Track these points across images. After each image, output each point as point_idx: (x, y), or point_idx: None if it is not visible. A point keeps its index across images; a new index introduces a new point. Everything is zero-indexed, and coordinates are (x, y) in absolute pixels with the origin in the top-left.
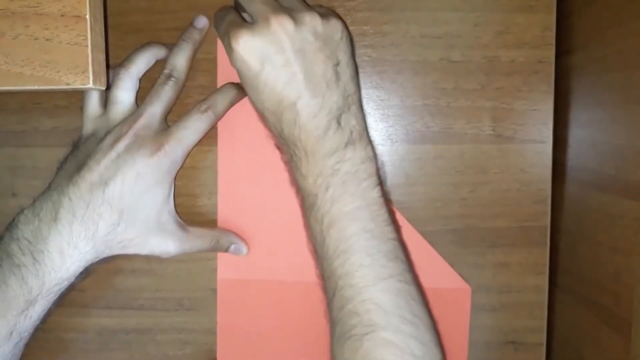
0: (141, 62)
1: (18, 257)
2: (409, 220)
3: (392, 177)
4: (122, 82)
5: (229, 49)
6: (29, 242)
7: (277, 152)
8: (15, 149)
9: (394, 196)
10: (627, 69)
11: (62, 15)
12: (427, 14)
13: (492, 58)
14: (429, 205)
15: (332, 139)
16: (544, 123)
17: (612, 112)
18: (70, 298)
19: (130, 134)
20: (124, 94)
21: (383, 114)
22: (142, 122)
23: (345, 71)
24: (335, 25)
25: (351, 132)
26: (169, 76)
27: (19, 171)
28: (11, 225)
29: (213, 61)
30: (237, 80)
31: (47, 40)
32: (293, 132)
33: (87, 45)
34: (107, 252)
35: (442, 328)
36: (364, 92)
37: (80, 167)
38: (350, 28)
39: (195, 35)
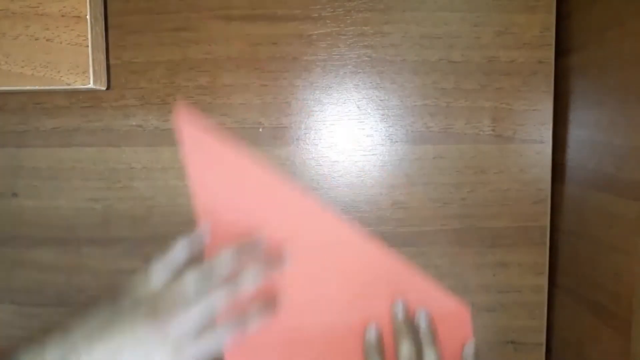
0: (226, 274)
1: None
2: (409, 220)
3: (392, 177)
4: (203, 286)
5: None
6: None
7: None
8: (16, 149)
9: (394, 196)
10: (627, 69)
11: (62, 16)
12: (427, 14)
13: (492, 58)
14: (429, 205)
15: None
16: (544, 123)
17: (611, 112)
18: (70, 298)
19: (169, 323)
20: (196, 290)
21: (383, 114)
22: (184, 320)
23: None
24: None
25: None
26: (233, 292)
27: (19, 171)
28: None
29: (213, 61)
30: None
31: (47, 40)
32: None
33: (88, 46)
34: None
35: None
36: (363, 92)
37: (103, 329)
38: (350, 28)
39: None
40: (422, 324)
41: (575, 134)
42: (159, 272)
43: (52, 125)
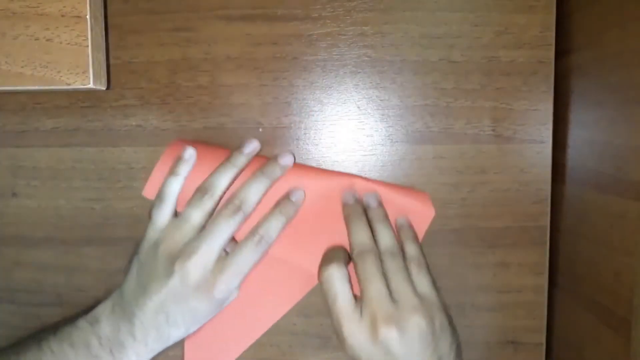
0: (224, 188)
1: (96, 349)
2: None
3: (392, 177)
4: (204, 206)
5: (342, 338)
6: (109, 340)
7: None
8: (16, 149)
9: None
10: (627, 69)
11: (62, 16)
12: (427, 14)
13: (492, 58)
14: None
15: None
16: (544, 123)
17: (611, 112)
18: (70, 298)
19: (188, 269)
20: (199, 216)
21: (383, 114)
22: (200, 260)
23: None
24: (440, 323)
25: None
26: (238, 209)
27: (19, 171)
28: (91, 317)
29: (213, 61)
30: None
31: (47, 40)
32: None
33: (88, 46)
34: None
35: None
36: (363, 92)
37: (144, 288)
38: (350, 28)
39: (277, 172)
40: (372, 203)
41: (576, 134)
42: (162, 215)
43: (52, 125)
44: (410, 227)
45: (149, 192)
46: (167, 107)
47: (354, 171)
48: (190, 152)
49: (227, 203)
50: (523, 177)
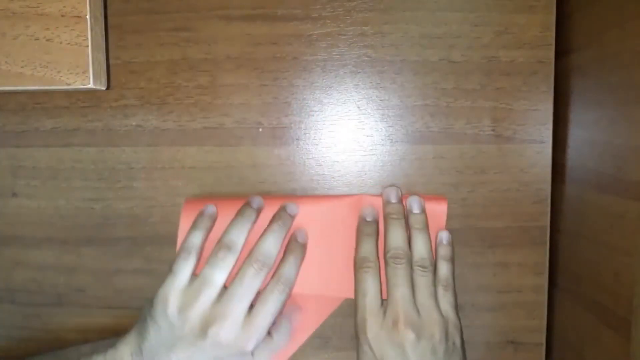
0: (243, 244)
1: None
2: None
3: (392, 177)
4: (226, 264)
5: (363, 331)
6: None
7: None
8: (16, 149)
9: None
10: (627, 69)
11: (62, 16)
12: (427, 14)
13: (492, 58)
14: None
15: None
16: (544, 123)
17: (611, 112)
18: (70, 298)
19: (221, 335)
20: (223, 275)
21: (383, 114)
22: (232, 323)
23: None
24: (454, 342)
25: None
26: (263, 265)
27: (19, 171)
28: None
29: (213, 61)
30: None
31: (47, 40)
32: None
33: (88, 46)
34: None
35: None
36: (363, 92)
37: (169, 347)
38: (350, 28)
39: (289, 221)
40: (415, 209)
41: (576, 134)
42: (186, 268)
43: (52, 125)
44: (450, 244)
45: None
46: (167, 107)
47: (354, 171)
48: (211, 208)
49: (250, 260)
50: (523, 177)
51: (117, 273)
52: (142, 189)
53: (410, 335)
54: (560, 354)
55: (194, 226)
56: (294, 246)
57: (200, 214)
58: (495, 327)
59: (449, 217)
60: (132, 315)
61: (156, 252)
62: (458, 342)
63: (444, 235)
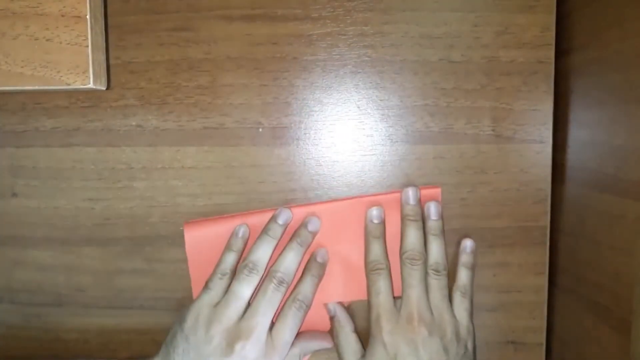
0: (268, 261)
1: None
2: None
3: (392, 177)
4: (253, 281)
5: (378, 328)
6: None
7: None
8: (16, 149)
9: None
10: (627, 69)
11: (62, 16)
12: (427, 14)
13: (492, 58)
14: None
15: None
16: (544, 123)
17: (611, 112)
18: (70, 298)
19: (247, 350)
20: (249, 291)
21: (383, 114)
22: (256, 338)
23: None
24: (466, 346)
25: None
26: (282, 281)
27: (19, 171)
28: None
29: (213, 61)
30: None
31: (47, 40)
32: None
33: (87, 46)
34: None
35: None
36: (363, 92)
37: None
38: (350, 28)
39: (309, 238)
40: (432, 215)
41: (576, 134)
42: (217, 289)
43: (52, 125)
44: (473, 252)
45: (196, 291)
46: (167, 107)
47: (354, 171)
48: (244, 229)
49: (271, 277)
50: (523, 177)
51: (117, 273)
52: (142, 189)
53: (424, 332)
54: (560, 354)
55: (228, 247)
56: (313, 265)
57: (235, 235)
58: (495, 327)
59: (449, 217)
60: (132, 315)
61: (156, 252)
62: (470, 346)
63: (468, 244)
